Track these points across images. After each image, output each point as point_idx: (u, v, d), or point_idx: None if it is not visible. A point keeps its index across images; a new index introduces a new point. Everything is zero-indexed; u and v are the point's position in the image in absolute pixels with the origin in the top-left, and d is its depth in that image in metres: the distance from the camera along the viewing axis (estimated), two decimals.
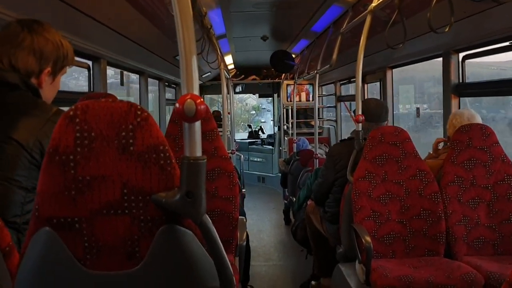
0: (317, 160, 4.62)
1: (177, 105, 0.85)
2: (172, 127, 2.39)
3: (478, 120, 2.57)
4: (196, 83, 0.88)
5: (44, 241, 0.90)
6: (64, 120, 0.88)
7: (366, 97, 5.35)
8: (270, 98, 10.34)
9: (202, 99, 0.86)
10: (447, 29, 1.83)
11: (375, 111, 2.80)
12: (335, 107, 6.81)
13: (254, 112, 15.03)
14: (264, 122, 12.83)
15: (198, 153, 0.88)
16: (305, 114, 8.17)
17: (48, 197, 0.89)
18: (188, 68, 0.87)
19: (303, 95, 7.88)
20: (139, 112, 0.90)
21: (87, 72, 2.99)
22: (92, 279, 0.91)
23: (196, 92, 0.87)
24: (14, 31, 1.32)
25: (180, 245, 0.92)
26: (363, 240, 2.19)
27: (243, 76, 8.20)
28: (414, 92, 6.65)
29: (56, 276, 0.91)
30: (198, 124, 0.88)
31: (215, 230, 0.93)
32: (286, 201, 6.03)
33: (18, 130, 1.20)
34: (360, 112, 2.64)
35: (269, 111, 11.57)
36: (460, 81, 3.10)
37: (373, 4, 2.51)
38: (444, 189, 2.41)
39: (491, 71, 4.84)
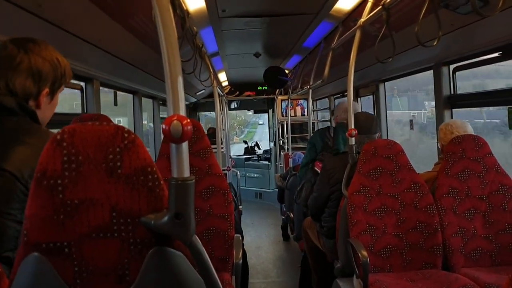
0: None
1: (163, 126, 0.85)
2: (165, 147, 2.39)
3: (470, 129, 2.58)
4: (182, 103, 0.89)
5: (34, 267, 0.89)
6: (51, 144, 0.88)
7: (361, 110, 5.38)
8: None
9: (188, 120, 0.86)
10: (435, 43, 1.85)
11: (365, 124, 2.81)
12: (330, 121, 6.83)
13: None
14: (262, 123, 12.84)
15: (186, 173, 0.88)
16: (300, 128, 8.19)
17: (36, 221, 0.88)
18: (174, 89, 0.88)
19: (298, 109, 7.92)
20: (126, 135, 0.90)
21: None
22: None
23: (182, 112, 0.87)
24: (10, 53, 1.28)
25: (170, 267, 0.92)
26: (359, 255, 2.18)
27: (237, 92, 8.23)
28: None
29: None
30: (185, 145, 0.88)
31: (205, 251, 0.93)
32: (283, 217, 6.00)
33: (12, 160, 1.14)
34: (352, 127, 2.65)
35: (261, 124, 11.56)
36: (452, 92, 3.12)
37: (362, 20, 2.54)
38: (439, 201, 2.41)
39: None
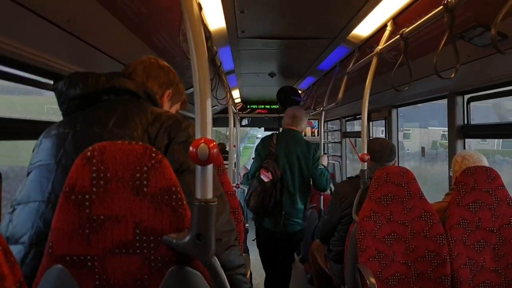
0: (322, 196, 4.61)
1: (191, 148, 0.88)
2: None
3: (485, 162, 2.59)
4: (209, 127, 0.92)
5: (56, 279, 0.92)
6: (81, 161, 0.92)
7: (372, 135, 5.40)
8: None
9: (215, 143, 0.89)
10: (452, 75, 1.87)
11: (377, 151, 2.83)
12: (340, 142, 6.84)
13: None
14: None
15: (209, 195, 0.91)
16: None
17: (62, 235, 0.91)
18: (202, 113, 0.91)
19: (308, 130, 7.94)
20: (153, 155, 0.93)
21: None
22: None
23: (209, 136, 0.90)
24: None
25: (188, 286, 0.94)
26: (367, 281, 2.17)
27: (249, 109, 8.28)
28: None
29: None
30: (210, 167, 0.91)
31: (223, 272, 0.95)
32: None
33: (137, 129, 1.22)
34: (365, 151, 2.66)
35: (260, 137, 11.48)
36: (465, 122, 3.13)
37: (379, 47, 2.57)
38: (449, 231, 2.40)
39: None
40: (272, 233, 3.64)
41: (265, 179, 3.46)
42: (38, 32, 1.76)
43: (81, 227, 0.91)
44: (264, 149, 3.69)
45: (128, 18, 2.15)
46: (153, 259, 0.93)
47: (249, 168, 3.89)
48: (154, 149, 0.94)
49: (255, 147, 3.89)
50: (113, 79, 1.35)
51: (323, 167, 3.72)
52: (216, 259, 0.93)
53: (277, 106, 7.98)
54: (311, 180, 3.67)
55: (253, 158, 3.95)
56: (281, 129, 3.91)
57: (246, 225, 4.84)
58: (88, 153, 0.92)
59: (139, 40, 2.45)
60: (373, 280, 2.18)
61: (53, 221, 0.92)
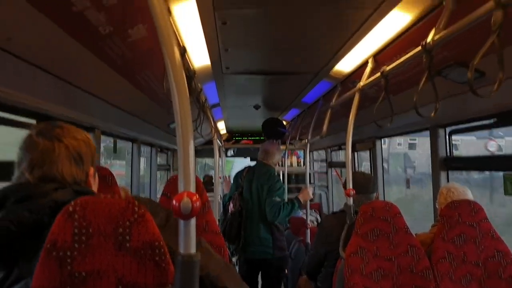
0: (309, 229, 4.60)
1: (174, 202, 0.87)
2: (164, 200, 2.39)
3: (470, 195, 2.61)
4: (192, 180, 0.91)
5: None
6: (63, 216, 0.91)
7: (356, 165, 5.43)
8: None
9: (197, 196, 0.88)
10: (432, 114, 1.91)
11: (362, 184, 2.85)
12: (326, 172, 6.87)
13: None
14: None
15: (193, 250, 0.90)
16: (296, 179, 8.20)
17: None
18: (185, 166, 0.91)
19: (294, 159, 7.97)
20: (136, 209, 0.92)
21: None
22: None
23: (192, 189, 0.90)
24: (46, 148, 1.19)
25: None
26: None
27: (234, 140, 8.29)
28: None
29: None
30: (193, 221, 0.90)
31: None
32: None
33: None
34: (351, 186, 2.68)
35: None
36: (448, 154, 3.18)
37: (361, 83, 2.62)
38: (435, 266, 2.40)
39: None
40: (243, 261, 3.94)
41: (229, 210, 3.87)
42: (22, 75, 1.75)
43: (63, 285, 0.89)
44: (236, 181, 4.05)
45: (112, 60, 2.17)
46: None
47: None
48: (136, 203, 0.93)
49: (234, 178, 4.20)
50: (50, 195, 1.08)
51: (280, 200, 3.76)
52: None
53: (262, 138, 8.01)
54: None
55: None
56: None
57: (233, 259, 4.79)
58: (70, 208, 0.91)
59: (123, 79, 2.46)
60: None
61: (34, 279, 0.90)
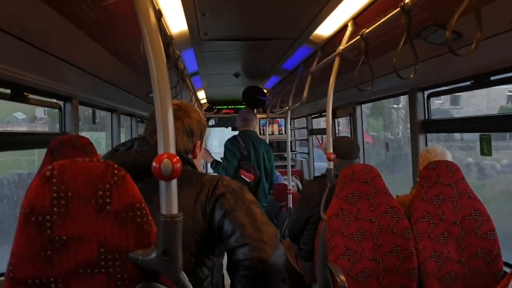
0: (291, 194, 4.65)
1: (154, 164, 0.86)
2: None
3: (449, 157, 2.66)
4: (172, 142, 0.90)
5: None
6: (40, 181, 0.89)
7: (337, 131, 5.47)
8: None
9: (178, 158, 0.88)
10: (412, 75, 1.91)
11: (346, 149, 2.88)
12: (307, 140, 6.91)
13: None
14: None
15: (175, 210, 0.90)
16: (278, 147, 8.23)
17: (23, 258, 0.88)
18: (165, 127, 0.89)
19: (275, 128, 7.98)
20: (116, 171, 0.91)
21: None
22: None
23: (172, 150, 0.89)
24: None
25: None
26: (337, 279, 2.21)
27: (216, 110, 8.24)
28: None
29: None
30: (174, 183, 0.90)
31: (191, 287, 0.94)
32: None
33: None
34: (331, 150, 2.70)
35: None
36: (426, 117, 3.22)
37: (341, 47, 2.61)
38: (414, 225, 2.47)
39: None
40: None
41: (248, 180, 3.92)
42: None
43: (43, 249, 0.88)
44: (236, 150, 4.06)
45: (87, 25, 2.10)
46: (119, 277, 0.91)
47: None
48: (116, 166, 0.92)
49: (224, 146, 4.21)
50: None
51: None
52: (184, 274, 0.93)
53: (243, 106, 7.98)
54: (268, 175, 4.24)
55: (221, 158, 4.20)
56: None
57: None
58: (47, 173, 0.89)
59: (96, 44, 2.40)
60: (343, 277, 2.21)
61: (13, 244, 0.89)
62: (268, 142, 6.39)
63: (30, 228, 0.88)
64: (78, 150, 2.03)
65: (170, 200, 0.89)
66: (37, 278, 0.89)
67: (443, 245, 2.46)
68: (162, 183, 0.89)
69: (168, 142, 0.89)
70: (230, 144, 4.12)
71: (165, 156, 0.86)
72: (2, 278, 2.08)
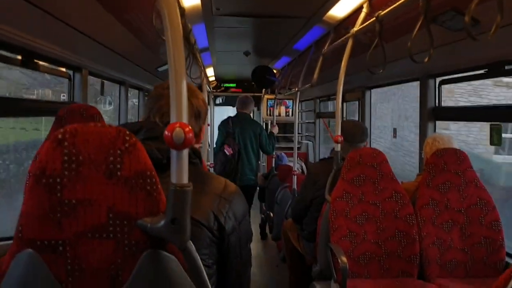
0: (295, 176, 4.66)
1: (166, 132, 0.86)
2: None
3: (455, 145, 2.65)
4: (185, 111, 0.90)
5: (26, 263, 0.90)
6: (52, 143, 0.89)
7: (345, 115, 5.44)
8: None
9: (190, 128, 0.87)
10: (426, 60, 1.89)
11: (351, 132, 2.86)
12: (314, 123, 6.89)
13: None
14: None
15: (185, 180, 0.90)
16: (284, 128, 8.20)
17: (32, 219, 0.89)
18: (178, 96, 0.89)
19: (283, 109, 7.94)
20: (127, 138, 0.91)
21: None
22: None
23: (185, 120, 0.89)
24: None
25: (163, 270, 0.93)
26: (339, 260, 2.22)
27: (223, 88, 8.20)
28: None
29: None
30: (185, 152, 0.89)
31: (198, 257, 0.95)
32: (263, 215, 6.03)
33: (200, 210, 1.20)
34: (339, 133, 2.69)
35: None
36: (437, 105, 3.19)
37: (355, 29, 2.57)
38: (418, 211, 2.47)
39: None
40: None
41: (227, 153, 4.83)
42: (8, 7, 1.69)
43: (52, 211, 0.89)
44: (224, 129, 5.00)
45: None
46: (127, 243, 0.91)
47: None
48: (127, 132, 0.92)
49: (220, 127, 5.12)
50: None
51: (269, 137, 5.20)
52: (191, 243, 0.93)
53: (252, 86, 7.93)
54: (260, 147, 5.11)
55: None
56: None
57: None
58: (59, 136, 0.89)
59: (108, 14, 2.38)
60: (344, 258, 2.22)
61: (22, 205, 0.90)
62: (275, 123, 6.41)
63: (40, 190, 0.88)
64: (86, 119, 2.03)
65: (181, 169, 0.89)
66: (45, 240, 0.89)
67: (446, 233, 2.46)
68: (174, 152, 0.88)
69: (180, 111, 0.89)
70: (221, 124, 5.09)
71: (178, 125, 0.86)
72: (9, 242, 2.11)
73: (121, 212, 0.91)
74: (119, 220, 0.91)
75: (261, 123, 8.15)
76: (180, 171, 0.89)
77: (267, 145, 5.13)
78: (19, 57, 2.25)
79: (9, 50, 2.12)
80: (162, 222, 0.89)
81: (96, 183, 0.90)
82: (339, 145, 2.66)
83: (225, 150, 4.88)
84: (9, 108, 2.29)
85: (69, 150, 0.89)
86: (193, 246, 0.93)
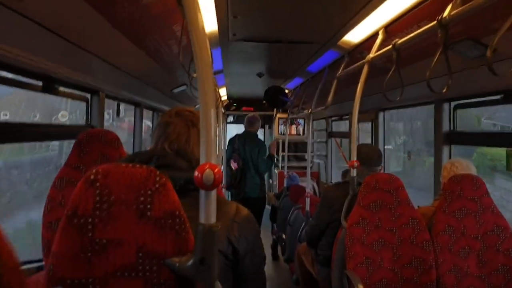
0: (309, 198, 4.64)
1: (196, 173, 0.88)
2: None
3: (473, 171, 2.64)
4: (214, 153, 0.92)
5: None
6: (84, 184, 0.91)
7: (357, 135, 5.44)
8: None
9: (219, 168, 0.89)
10: (444, 90, 1.90)
11: (366, 156, 2.86)
12: (326, 142, 6.89)
13: None
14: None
15: (213, 220, 0.91)
16: (295, 147, 8.21)
17: (64, 258, 0.90)
18: (208, 138, 0.91)
19: (293, 128, 7.97)
20: (157, 178, 0.93)
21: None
22: None
23: (213, 161, 0.90)
24: (183, 130, 1.42)
25: None
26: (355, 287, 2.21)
27: (235, 106, 8.25)
28: None
29: None
30: (214, 192, 0.91)
31: None
32: (274, 236, 6.00)
33: (219, 238, 1.22)
34: (355, 158, 2.69)
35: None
36: (452, 128, 3.18)
37: (371, 55, 2.60)
38: (435, 238, 2.45)
39: None
40: (240, 200, 5.30)
41: (233, 167, 5.36)
42: (31, 36, 1.73)
43: (83, 251, 0.91)
44: (231, 145, 5.49)
45: (120, 22, 2.13)
46: (155, 282, 0.93)
47: None
48: (158, 173, 0.94)
49: (229, 142, 5.61)
50: (184, 171, 1.29)
51: (265, 157, 5.40)
52: (219, 283, 0.94)
53: (263, 105, 7.97)
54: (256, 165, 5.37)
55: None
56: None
57: None
58: (92, 176, 0.91)
59: (125, 38, 2.43)
60: (361, 286, 2.21)
61: (54, 244, 0.91)
62: (287, 142, 6.42)
63: (71, 230, 0.90)
64: (106, 144, 2.07)
65: (210, 209, 0.91)
66: (76, 279, 0.91)
67: (463, 260, 2.44)
68: (202, 193, 0.90)
69: (210, 152, 0.91)
70: (229, 141, 5.60)
71: (207, 166, 0.88)
72: (29, 265, 2.11)
73: (151, 251, 0.92)
74: (148, 259, 0.92)
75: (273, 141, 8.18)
76: (209, 211, 0.91)
77: (261, 164, 5.40)
78: (40, 83, 2.30)
79: (31, 77, 2.17)
80: (191, 262, 0.91)
81: (127, 223, 0.92)
82: (355, 170, 2.66)
83: (231, 165, 5.40)
84: (28, 133, 2.33)
85: (101, 190, 0.91)
86: (220, 286, 0.94)
